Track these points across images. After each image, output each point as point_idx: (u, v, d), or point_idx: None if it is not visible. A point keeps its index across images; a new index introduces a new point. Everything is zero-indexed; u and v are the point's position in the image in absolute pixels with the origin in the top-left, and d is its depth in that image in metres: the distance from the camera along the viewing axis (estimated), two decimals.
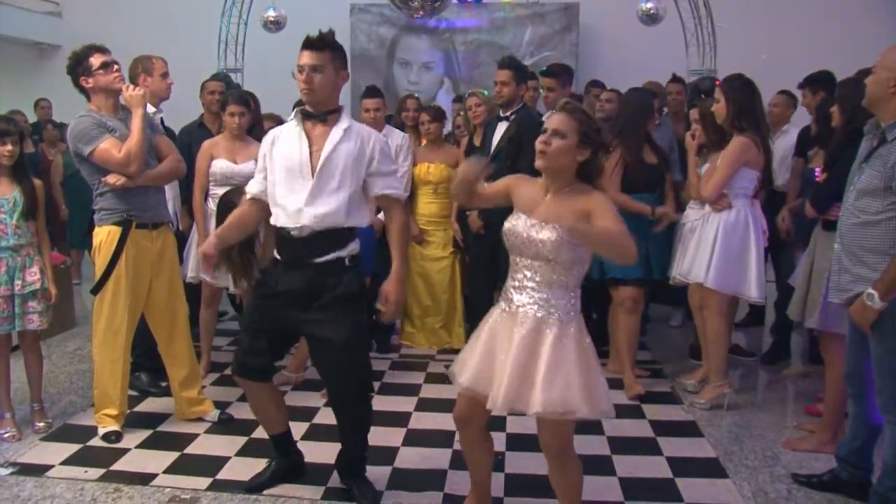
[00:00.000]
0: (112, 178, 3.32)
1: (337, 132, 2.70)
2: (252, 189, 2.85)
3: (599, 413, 2.33)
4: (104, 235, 3.37)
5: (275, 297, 2.73)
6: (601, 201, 2.34)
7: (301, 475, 3.06)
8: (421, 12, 7.50)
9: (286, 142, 2.74)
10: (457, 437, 2.76)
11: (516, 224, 2.41)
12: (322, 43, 2.65)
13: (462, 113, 5.02)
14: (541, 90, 5.07)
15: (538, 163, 2.39)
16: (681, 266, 3.93)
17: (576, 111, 2.41)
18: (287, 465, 3.03)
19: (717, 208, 3.76)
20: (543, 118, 4.47)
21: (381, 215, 4.61)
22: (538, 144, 2.37)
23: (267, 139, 2.81)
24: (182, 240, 4.22)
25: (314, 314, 2.69)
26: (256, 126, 4.26)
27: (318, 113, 2.71)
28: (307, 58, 2.64)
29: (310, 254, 2.69)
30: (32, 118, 7.74)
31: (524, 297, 2.39)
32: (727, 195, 3.75)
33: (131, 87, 3.45)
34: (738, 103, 3.71)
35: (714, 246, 3.72)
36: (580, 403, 2.27)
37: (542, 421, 2.36)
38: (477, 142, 4.65)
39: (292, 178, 2.68)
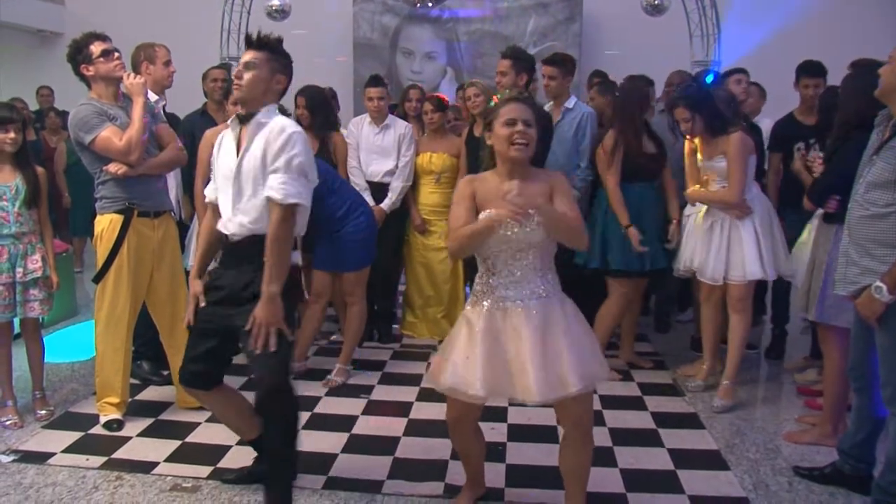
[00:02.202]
0: (113, 167, 3.31)
1: (249, 135, 2.56)
2: (209, 194, 2.76)
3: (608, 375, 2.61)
4: (106, 224, 3.37)
5: (215, 299, 2.67)
6: (561, 180, 2.49)
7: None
8: (425, 2, 7.48)
9: (225, 146, 2.67)
10: None
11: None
12: (259, 43, 2.60)
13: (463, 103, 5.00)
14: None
15: (518, 154, 2.38)
16: (699, 260, 3.85)
17: (528, 100, 2.49)
18: None
19: (740, 216, 3.73)
20: (545, 108, 4.49)
21: (383, 204, 4.65)
22: (518, 137, 2.37)
23: (216, 142, 2.74)
24: (184, 229, 4.21)
25: (245, 308, 2.54)
26: None
27: (244, 115, 2.61)
28: (244, 55, 2.60)
29: (242, 256, 2.61)
30: (34, 106, 7.73)
31: (518, 291, 2.40)
32: (746, 200, 3.72)
33: (132, 74, 3.44)
34: (707, 111, 3.71)
35: (759, 241, 3.69)
36: (602, 369, 2.45)
37: (573, 398, 2.33)
38: (477, 132, 4.63)
39: (226, 185, 2.63)
